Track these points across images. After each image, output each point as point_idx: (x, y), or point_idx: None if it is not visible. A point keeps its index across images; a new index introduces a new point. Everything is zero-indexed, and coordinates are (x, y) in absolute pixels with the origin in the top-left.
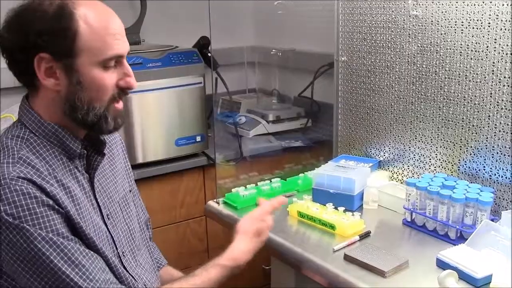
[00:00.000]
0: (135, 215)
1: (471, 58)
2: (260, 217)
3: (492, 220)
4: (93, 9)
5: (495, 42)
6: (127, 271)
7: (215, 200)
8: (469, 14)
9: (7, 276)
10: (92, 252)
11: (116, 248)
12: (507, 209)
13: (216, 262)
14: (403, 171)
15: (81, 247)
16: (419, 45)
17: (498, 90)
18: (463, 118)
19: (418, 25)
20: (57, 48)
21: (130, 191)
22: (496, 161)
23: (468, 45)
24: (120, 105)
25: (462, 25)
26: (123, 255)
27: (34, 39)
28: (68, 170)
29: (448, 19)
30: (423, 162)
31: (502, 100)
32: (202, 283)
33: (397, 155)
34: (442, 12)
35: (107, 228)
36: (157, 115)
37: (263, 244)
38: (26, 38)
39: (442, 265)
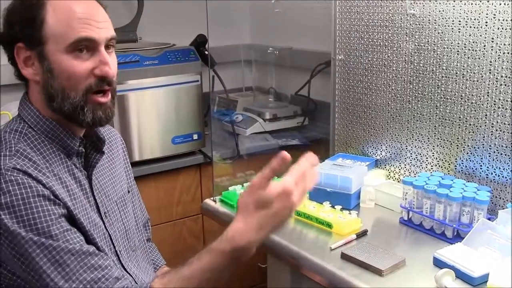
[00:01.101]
0: (132, 215)
1: (468, 57)
2: (259, 185)
3: (489, 219)
4: None
5: (492, 41)
6: (125, 269)
7: (212, 198)
8: (467, 13)
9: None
10: (86, 248)
11: (114, 246)
12: (503, 208)
13: (210, 247)
14: (399, 169)
15: (72, 244)
16: (416, 44)
17: (495, 89)
18: (460, 117)
19: (416, 24)
20: (28, 36)
21: (128, 192)
22: (493, 160)
23: (465, 44)
24: (102, 98)
25: (460, 24)
26: (121, 254)
27: (12, 28)
28: (65, 167)
29: (445, 18)
30: (419, 161)
31: (499, 99)
32: (192, 273)
33: (394, 154)
34: (439, 11)
35: (105, 226)
36: (153, 113)
37: (283, 219)
38: (7, 29)
39: (439, 264)
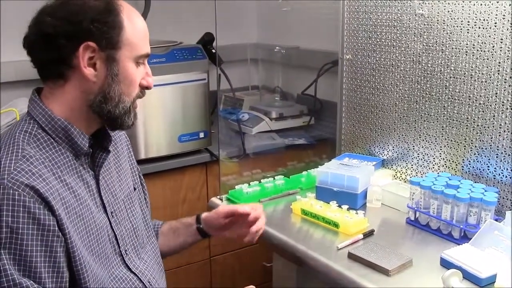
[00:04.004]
0: (139, 212)
1: (477, 58)
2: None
3: (496, 220)
4: (131, 9)
5: (501, 42)
6: (130, 269)
7: (218, 196)
8: (475, 14)
9: None
10: None
11: (119, 247)
12: (511, 209)
13: None
14: (406, 170)
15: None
16: (424, 44)
17: (503, 90)
18: (467, 118)
19: (424, 24)
20: (106, 37)
21: (134, 189)
22: (500, 161)
23: (474, 44)
24: (136, 103)
25: (468, 24)
26: (126, 253)
27: (87, 26)
28: (73, 169)
29: (454, 18)
30: (427, 161)
31: (508, 100)
32: None
33: (401, 154)
34: (448, 11)
35: (111, 226)
36: (160, 111)
37: None
38: (78, 25)
39: (446, 264)
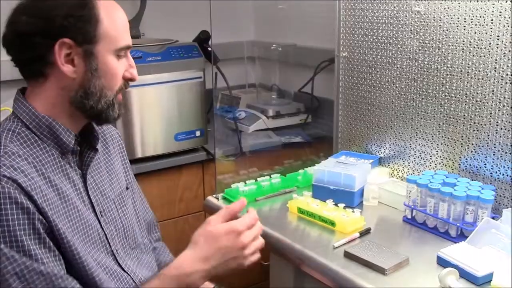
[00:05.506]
0: (132, 212)
1: (473, 55)
2: (215, 222)
3: (493, 218)
4: (109, 1)
5: (497, 39)
6: (123, 268)
7: (214, 195)
8: (472, 11)
9: None
10: (55, 272)
11: (110, 246)
12: (508, 207)
13: (160, 273)
14: (403, 168)
15: (42, 266)
16: (421, 41)
17: (500, 88)
18: (464, 115)
19: (420, 21)
20: (81, 33)
21: (127, 188)
22: (497, 158)
23: (470, 41)
24: (121, 95)
25: (465, 21)
26: (117, 253)
27: (60, 22)
28: (59, 167)
29: (450, 15)
30: (423, 159)
31: (504, 98)
32: None
33: (398, 151)
34: (444, 8)
35: (101, 225)
36: (156, 110)
37: (232, 259)
38: (52, 22)
39: (442, 263)
